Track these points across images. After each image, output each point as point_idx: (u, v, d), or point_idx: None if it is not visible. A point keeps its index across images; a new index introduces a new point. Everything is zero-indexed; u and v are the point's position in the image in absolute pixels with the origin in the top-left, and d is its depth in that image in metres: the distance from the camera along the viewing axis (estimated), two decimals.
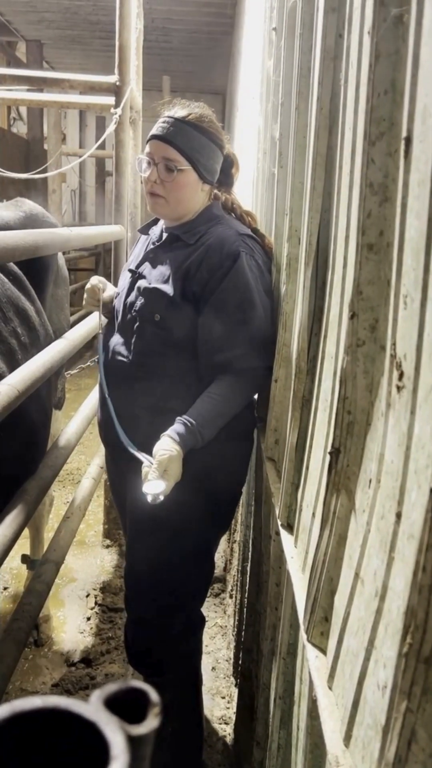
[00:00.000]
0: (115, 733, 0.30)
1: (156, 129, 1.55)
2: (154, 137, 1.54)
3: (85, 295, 1.75)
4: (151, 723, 0.31)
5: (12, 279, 1.98)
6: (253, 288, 1.51)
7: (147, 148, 1.57)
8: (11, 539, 1.52)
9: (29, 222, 2.23)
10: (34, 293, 2.11)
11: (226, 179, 1.68)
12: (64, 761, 0.31)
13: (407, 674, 0.47)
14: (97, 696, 0.32)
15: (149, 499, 1.36)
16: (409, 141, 0.62)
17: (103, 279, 1.76)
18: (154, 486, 1.37)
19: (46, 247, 1.70)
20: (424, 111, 0.58)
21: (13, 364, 1.75)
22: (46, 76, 3.15)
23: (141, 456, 1.46)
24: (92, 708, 0.31)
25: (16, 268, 2.04)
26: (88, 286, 1.72)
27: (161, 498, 1.36)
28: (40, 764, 0.31)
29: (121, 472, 1.69)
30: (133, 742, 0.30)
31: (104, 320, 1.71)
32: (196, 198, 1.59)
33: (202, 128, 1.54)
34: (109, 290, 1.74)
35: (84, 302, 1.76)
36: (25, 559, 2.57)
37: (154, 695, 0.33)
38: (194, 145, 1.53)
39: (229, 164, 1.67)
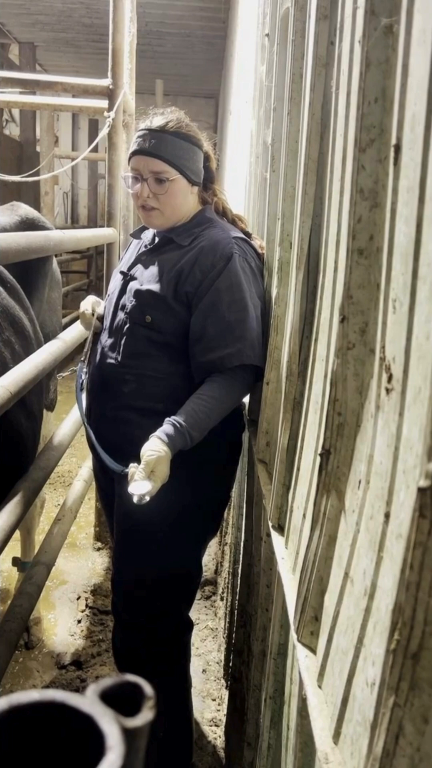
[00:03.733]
0: (110, 725, 0.30)
1: (136, 144, 1.55)
2: (138, 152, 1.55)
3: (80, 319, 1.77)
4: (145, 715, 0.32)
5: (8, 288, 2.00)
6: (245, 289, 1.52)
7: (131, 164, 1.57)
8: (2, 541, 1.52)
9: (25, 226, 2.26)
10: (27, 303, 2.13)
11: (207, 173, 1.68)
12: (60, 753, 0.31)
13: (395, 670, 0.48)
14: (92, 689, 0.33)
15: (135, 499, 1.34)
16: (398, 148, 0.63)
17: (95, 299, 1.77)
18: (140, 486, 1.35)
19: (39, 250, 1.70)
20: (413, 119, 0.60)
21: (5, 371, 1.74)
22: (39, 78, 3.16)
23: (128, 469, 1.43)
24: (88, 701, 0.32)
25: (11, 277, 2.06)
26: (81, 310, 1.73)
27: (147, 499, 1.35)
28: (37, 756, 0.31)
29: (109, 477, 1.69)
30: (129, 734, 0.31)
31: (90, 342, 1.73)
32: (187, 202, 1.60)
33: (182, 134, 1.54)
34: (99, 307, 1.75)
35: (82, 325, 1.79)
36: (15, 561, 2.57)
37: (148, 689, 0.33)
38: (178, 153, 1.53)
39: (206, 158, 1.66)
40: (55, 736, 0.32)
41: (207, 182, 1.68)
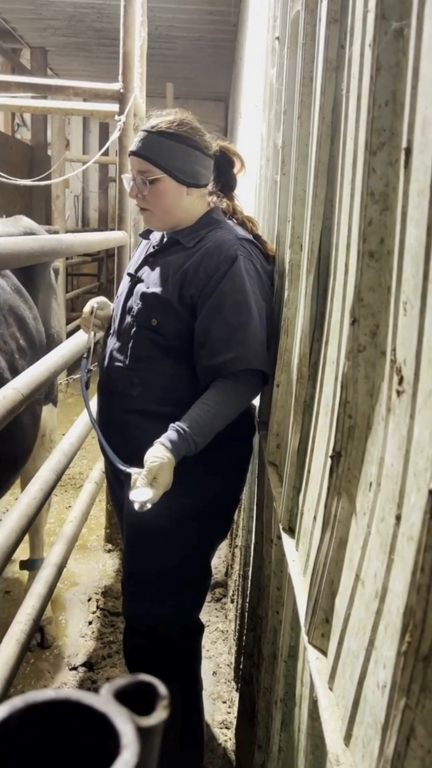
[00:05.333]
0: (125, 724, 0.31)
1: (132, 145, 1.58)
2: (130, 153, 1.58)
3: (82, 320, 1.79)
4: (159, 715, 0.32)
5: (14, 289, 2.16)
6: (249, 291, 1.50)
7: (128, 165, 1.61)
8: (14, 542, 1.53)
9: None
10: (32, 302, 2.30)
11: (226, 179, 1.67)
12: (75, 751, 0.32)
13: (406, 672, 0.48)
14: (106, 689, 0.33)
15: (136, 506, 1.33)
16: (409, 151, 0.63)
17: (102, 300, 1.78)
18: (142, 494, 1.34)
19: (51, 253, 1.72)
20: (423, 122, 0.60)
21: (12, 364, 1.90)
22: (51, 83, 3.18)
23: (132, 470, 1.44)
24: (103, 700, 0.32)
25: (15, 279, 2.22)
26: (85, 310, 1.75)
27: (148, 506, 1.34)
28: (53, 754, 0.32)
29: (120, 479, 1.70)
30: (143, 733, 0.31)
31: (92, 341, 1.74)
32: (183, 203, 1.57)
33: (172, 134, 1.52)
34: (107, 308, 1.76)
35: (81, 324, 1.80)
36: (23, 564, 2.58)
37: (162, 688, 0.34)
38: (164, 153, 1.52)
39: (226, 162, 1.65)
40: (70, 735, 0.32)
41: (225, 188, 1.67)
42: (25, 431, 2.11)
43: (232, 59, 6.71)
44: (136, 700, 0.34)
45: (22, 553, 2.64)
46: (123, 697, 0.33)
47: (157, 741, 0.33)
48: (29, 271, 2.33)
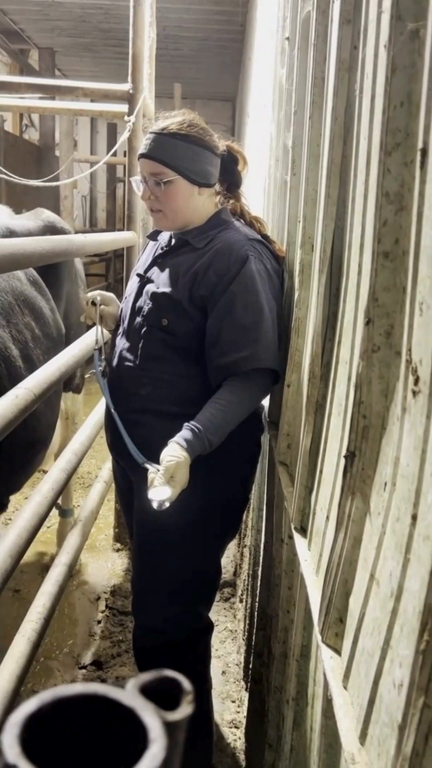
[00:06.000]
0: (152, 718, 0.31)
1: (141, 148, 1.59)
2: (140, 156, 1.59)
3: (85, 311, 1.80)
4: (185, 710, 0.33)
5: (31, 281, 2.26)
6: (261, 291, 1.51)
7: (139, 167, 1.61)
8: (26, 541, 1.54)
9: (47, 229, 2.51)
10: (49, 294, 2.42)
11: (231, 177, 1.68)
12: (103, 745, 0.32)
13: (424, 671, 0.49)
14: (132, 683, 0.34)
15: (155, 505, 1.34)
16: (425, 152, 0.63)
17: (104, 294, 1.79)
18: (160, 492, 1.35)
19: (62, 253, 1.73)
20: None
21: (25, 353, 2.02)
22: (61, 84, 3.19)
23: (150, 465, 1.45)
24: (129, 694, 0.33)
25: (34, 272, 2.32)
26: (86, 302, 1.76)
27: (167, 504, 1.35)
28: (81, 747, 0.32)
29: (129, 478, 1.70)
30: (168, 728, 0.32)
31: (107, 335, 1.75)
32: (194, 203, 1.59)
33: (182, 135, 1.54)
34: (113, 305, 1.77)
35: (83, 317, 1.81)
36: (57, 506, 2.87)
37: (186, 684, 0.34)
38: (176, 154, 1.53)
39: (232, 161, 1.66)
40: (97, 729, 0.32)
41: (232, 186, 1.68)
42: (39, 417, 2.21)
43: (239, 59, 6.71)
44: (160, 695, 0.34)
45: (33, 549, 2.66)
46: (147, 692, 0.34)
47: (181, 736, 0.34)
48: (52, 265, 2.42)
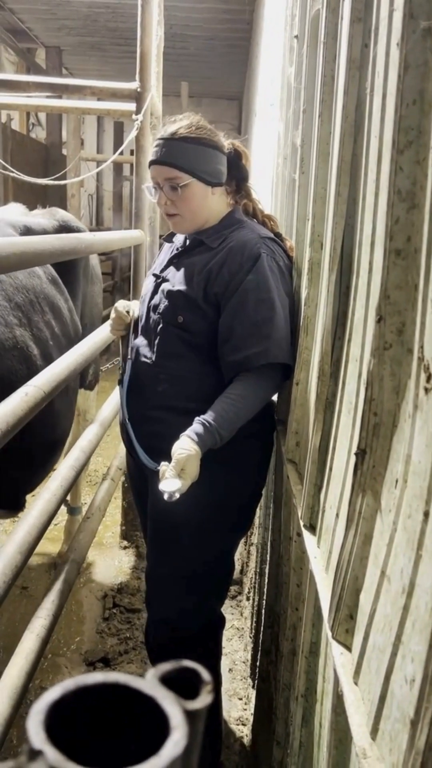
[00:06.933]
0: (173, 707, 0.32)
1: (152, 154, 1.60)
2: (152, 162, 1.60)
3: (110, 322, 1.79)
4: (204, 699, 0.33)
5: (50, 279, 2.31)
6: (273, 288, 1.53)
7: (150, 174, 1.62)
8: (35, 538, 1.55)
9: (61, 228, 2.56)
10: (67, 293, 2.46)
11: (239, 173, 1.69)
12: (125, 732, 0.33)
13: None
14: (152, 673, 0.34)
15: (165, 497, 1.38)
16: None
17: (125, 303, 1.80)
18: (171, 484, 1.38)
19: (71, 252, 1.74)
20: None
21: (45, 350, 2.05)
22: (69, 83, 3.20)
23: (161, 466, 1.47)
24: (150, 684, 0.33)
25: (52, 270, 2.37)
26: (113, 314, 1.76)
27: (177, 496, 1.38)
28: (103, 734, 0.33)
29: (143, 474, 1.72)
30: (189, 716, 0.32)
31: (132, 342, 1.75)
32: (209, 203, 1.62)
33: (192, 138, 1.56)
34: (135, 311, 1.77)
35: (110, 329, 1.81)
36: (66, 503, 2.95)
37: (205, 674, 0.35)
38: (189, 158, 1.56)
39: (237, 156, 1.68)
40: (119, 717, 0.33)
41: (240, 182, 1.69)
42: (59, 417, 2.26)
43: (246, 58, 6.71)
44: (179, 685, 0.35)
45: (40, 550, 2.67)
46: (167, 681, 0.34)
47: (201, 725, 0.34)
48: (69, 264, 2.45)
